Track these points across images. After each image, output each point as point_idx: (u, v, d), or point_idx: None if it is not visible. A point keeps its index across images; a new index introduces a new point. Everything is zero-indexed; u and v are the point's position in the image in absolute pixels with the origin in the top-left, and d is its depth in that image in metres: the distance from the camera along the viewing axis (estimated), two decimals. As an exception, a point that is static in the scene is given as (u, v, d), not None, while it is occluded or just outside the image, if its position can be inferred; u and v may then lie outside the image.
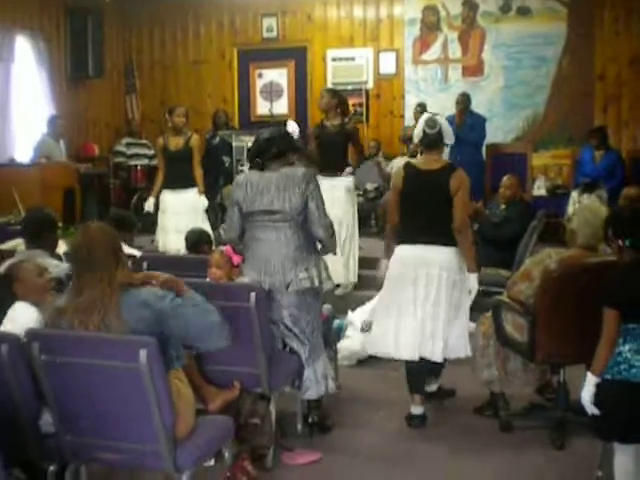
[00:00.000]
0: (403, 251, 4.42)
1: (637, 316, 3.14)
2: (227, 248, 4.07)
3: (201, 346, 3.22)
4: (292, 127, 7.05)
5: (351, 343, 5.57)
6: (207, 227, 7.20)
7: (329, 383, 4.22)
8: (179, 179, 7.20)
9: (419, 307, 4.30)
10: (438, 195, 4.32)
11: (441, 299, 4.29)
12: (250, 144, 8.84)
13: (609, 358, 3.17)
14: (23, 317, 3.30)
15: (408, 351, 4.33)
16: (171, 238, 6.85)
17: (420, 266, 4.31)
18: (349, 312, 5.96)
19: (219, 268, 4.01)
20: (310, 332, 4.11)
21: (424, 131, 4.40)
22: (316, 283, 4.07)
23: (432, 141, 4.40)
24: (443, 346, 4.29)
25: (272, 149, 4.11)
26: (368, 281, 5.85)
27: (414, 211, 4.39)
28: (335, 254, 4.42)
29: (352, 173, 6.93)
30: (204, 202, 7.33)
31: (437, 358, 4.33)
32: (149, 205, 7.39)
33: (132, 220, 5.38)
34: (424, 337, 4.29)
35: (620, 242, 3.31)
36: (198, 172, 7.30)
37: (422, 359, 4.34)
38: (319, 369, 4.16)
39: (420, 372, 4.45)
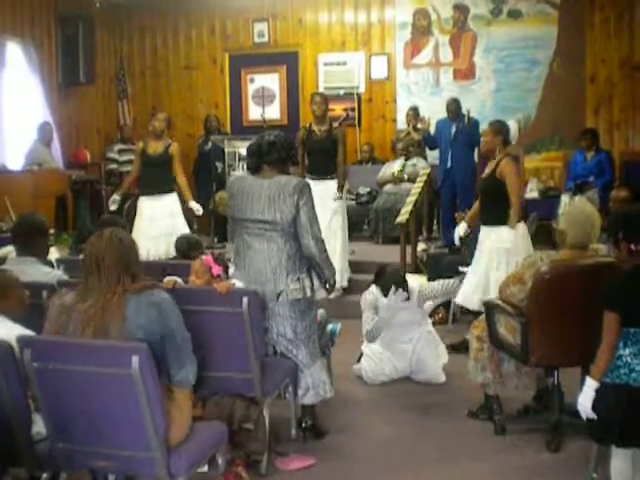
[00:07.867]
0: None
1: (638, 320, 3.12)
2: (207, 258, 3.99)
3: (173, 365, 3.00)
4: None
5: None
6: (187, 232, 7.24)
7: (326, 388, 4.21)
8: (156, 184, 7.20)
9: None
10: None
11: None
12: (243, 150, 8.90)
13: (610, 362, 3.15)
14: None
15: None
16: (148, 244, 6.74)
17: None
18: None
19: (198, 277, 3.96)
20: (306, 338, 4.10)
21: None
22: (308, 293, 4.05)
23: None
24: None
25: (273, 154, 4.05)
26: (361, 285, 5.81)
27: None
28: (334, 287, 4.28)
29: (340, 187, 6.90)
30: (198, 208, 7.33)
31: None
32: (113, 201, 7.39)
33: (122, 225, 5.34)
34: None
35: (633, 246, 3.26)
36: (182, 180, 7.30)
37: None
38: (316, 374, 4.15)
39: None
